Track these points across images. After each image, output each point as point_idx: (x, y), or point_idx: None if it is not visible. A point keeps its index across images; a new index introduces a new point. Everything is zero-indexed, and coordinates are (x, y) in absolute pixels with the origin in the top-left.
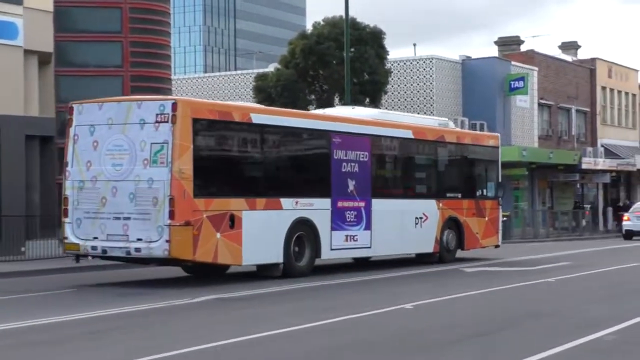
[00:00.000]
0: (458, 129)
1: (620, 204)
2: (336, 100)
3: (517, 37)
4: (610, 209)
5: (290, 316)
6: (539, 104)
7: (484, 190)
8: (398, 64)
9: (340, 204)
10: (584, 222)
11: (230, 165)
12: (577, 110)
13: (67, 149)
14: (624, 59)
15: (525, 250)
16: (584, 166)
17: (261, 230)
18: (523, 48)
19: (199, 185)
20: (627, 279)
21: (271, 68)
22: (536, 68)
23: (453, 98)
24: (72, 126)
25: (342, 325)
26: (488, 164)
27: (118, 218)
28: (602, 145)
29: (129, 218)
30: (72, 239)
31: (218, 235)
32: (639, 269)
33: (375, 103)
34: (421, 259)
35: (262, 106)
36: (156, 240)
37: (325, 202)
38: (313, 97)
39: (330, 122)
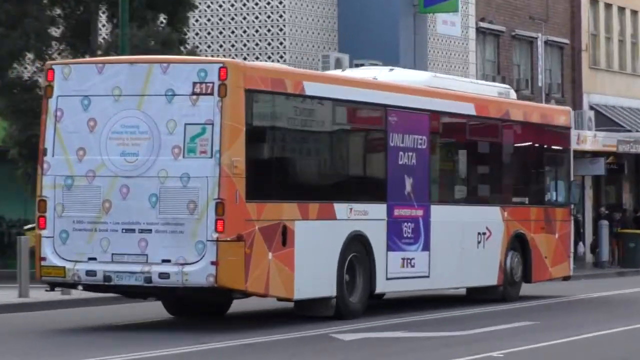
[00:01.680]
0: (523, 102)
1: (619, 213)
2: (103, 19)
3: None
4: (604, 223)
5: None
6: (479, 30)
7: (554, 194)
8: None
9: (396, 212)
10: (581, 250)
11: (284, 156)
12: (548, 43)
13: (44, 129)
14: None
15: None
16: None
17: (314, 249)
18: None
19: (252, 184)
20: (621, 354)
21: None
22: None
23: (321, 18)
24: (53, 97)
25: None
26: (558, 154)
27: (131, 230)
28: (592, 107)
29: (148, 230)
30: (53, 260)
31: (270, 255)
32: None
33: (175, 25)
34: (475, 296)
35: (312, 71)
36: (194, 262)
37: (380, 210)
38: (59, 12)
39: (386, 92)
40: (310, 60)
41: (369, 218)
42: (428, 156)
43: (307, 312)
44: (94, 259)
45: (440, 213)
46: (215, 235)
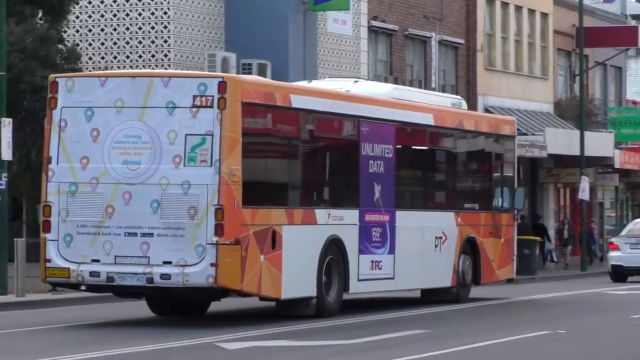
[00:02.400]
0: (474, 112)
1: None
2: None
3: None
4: None
5: None
6: (371, 29)
7: (500, 199)
8: None
9: (367, 217)
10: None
11: (273, 165)
12: (442, 43)
13: (48, 139)
14: None
15: (358, 304)
16: None
17: (298, 252)
18: None
19: (247, 191)
20: None
21: None
22: None
23: (207, 15)
24: (57, 108)
25: None
26: (505, 162)
27: (133, 234)
28: (487, 109)
29: (150, 234)
30: (58, 261)
31: (262, 257)
32: (539, 344)
33: (54, 21)
34: (429, 298)
35: (298, 85)
36: (195, 264)
37: (354, 215)
38: None
39: (359, 104)
40: (196, 59)
41: (344, 223)
42: (394, 164)
43: (290, 311)
44: (98, 260)
45: (404, 218)
46: (214, 239)
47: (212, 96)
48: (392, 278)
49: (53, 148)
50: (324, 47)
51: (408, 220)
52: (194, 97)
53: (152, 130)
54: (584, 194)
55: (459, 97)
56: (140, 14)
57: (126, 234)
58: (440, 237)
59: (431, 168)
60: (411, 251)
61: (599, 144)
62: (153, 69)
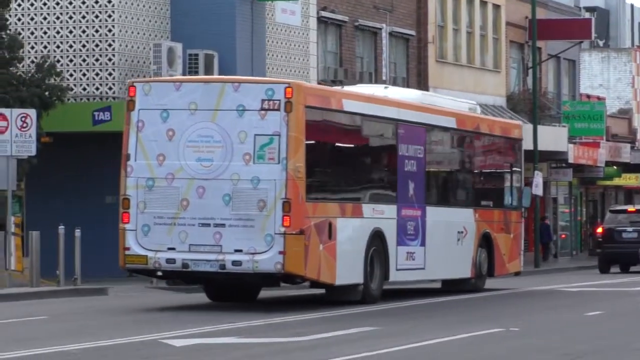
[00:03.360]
0: (487, 117)
1: None
2: None
3: None
4: None
5: None
6: (320, 20)
7: (510, 198)
8: None
9: (403, 212)
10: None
11: (329, 162)
12: (393, 35)
13: (127, 138)
14: None
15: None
16: None
17: (349, 243)
18: None
19: (309, 186)
20: None
21: None
22: None
23: (153, 5)
24: (135, 110)
25: None
26: (513, 162)
27: (207, 224)
28: None
29: (222, 225)
30: (136, 249)
31: (321, 246)
32: (489, 342)
33: None
34: (450, 287)
35: (348, 90)
36: (264, 252)
37: (392, 210)
38: None
39: (397, 108)
40: (141, 49)
41: (385, 217)
42: (424, 164)
43: (339, 297)
44: (173, 248)
45: (432, 213)
46: (282, 229)
47: (279, 100)
48: (423, 268)
49: (131, 146)
50: (272, 38)
51: (436, 216)
52: (262, 100)
53: (223, 131)
54: (537, 189)
55: (474, 102)
56: (84, 2)
57: (200, 225)
58: (462, 232)
59: (454, 167)
60: (438, 244)
61: (553, 138)
62: (97, 59)
